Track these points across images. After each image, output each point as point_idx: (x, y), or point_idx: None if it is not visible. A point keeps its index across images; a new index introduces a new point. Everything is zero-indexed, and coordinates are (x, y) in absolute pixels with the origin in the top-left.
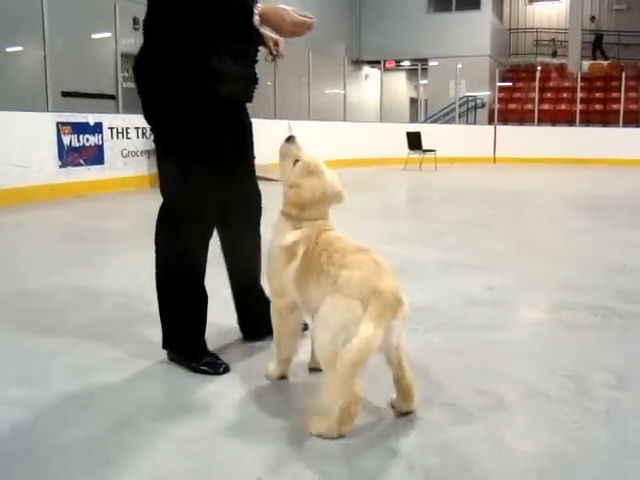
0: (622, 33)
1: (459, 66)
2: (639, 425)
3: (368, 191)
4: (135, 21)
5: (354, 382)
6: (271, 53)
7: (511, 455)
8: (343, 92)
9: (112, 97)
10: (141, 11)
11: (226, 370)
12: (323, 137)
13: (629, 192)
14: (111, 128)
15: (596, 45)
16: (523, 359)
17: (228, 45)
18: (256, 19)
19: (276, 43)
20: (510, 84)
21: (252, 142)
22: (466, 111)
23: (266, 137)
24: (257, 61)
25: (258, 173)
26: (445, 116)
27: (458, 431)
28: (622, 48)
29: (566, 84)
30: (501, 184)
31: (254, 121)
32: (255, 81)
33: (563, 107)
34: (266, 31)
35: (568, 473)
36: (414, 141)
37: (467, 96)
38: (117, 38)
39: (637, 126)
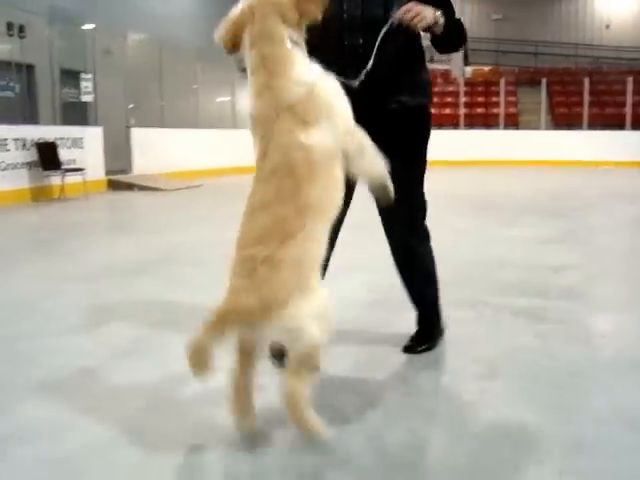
0: (500, 41)
1: None
2: (508, 411)
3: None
4: (9, 26)
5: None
6: None
7: (384, 448)
8: (232, 99)
9: None
10: (16, 16)
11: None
12: (214, 145)
13: (509, 192)
14: None
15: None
16: (402, 357)
17: None
18: None
19: None
20: None
21: None
22: None
23: (153, 147)
24: None
25: (145, 183)
26: None
27: (336, 430)
28: (501, 55)
29: (450, 89)
30: None
31: (142, 130)
32: None
33: (448, 111)
34: None
35: (438, 463)
36: None
37: None
38: None
39: (516, 128)
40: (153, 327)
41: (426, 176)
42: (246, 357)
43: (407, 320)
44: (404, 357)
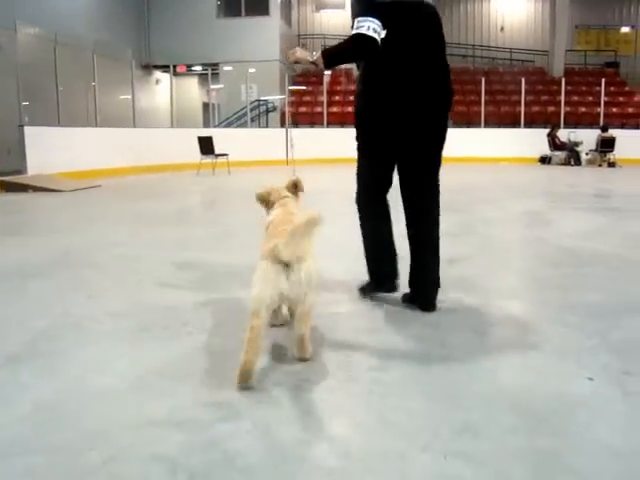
0: None
1: (250, 71)
2: (398, 401)
3: (159, 197)
4: None
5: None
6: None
7: (276, 445)
8: (131, 97)
9: None
10: None
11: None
12: (113, 144)
13: None
14: None
15: None
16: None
17: None
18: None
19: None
20: (304, 87)
21: None
22: (258, 115)
23: (49, 146)
24: None
25: (40, 184)
26: (238, 120)
27: (225, 428)
28: None
29: (353, 87)
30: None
31: (37, 129)
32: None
33: (350, 109)
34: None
35: (324, 459)
36: (206, 146)
37: (259, 100)
38: None
39: None
40: (49, 331)
41: (333, 174)
42: (269, 314)
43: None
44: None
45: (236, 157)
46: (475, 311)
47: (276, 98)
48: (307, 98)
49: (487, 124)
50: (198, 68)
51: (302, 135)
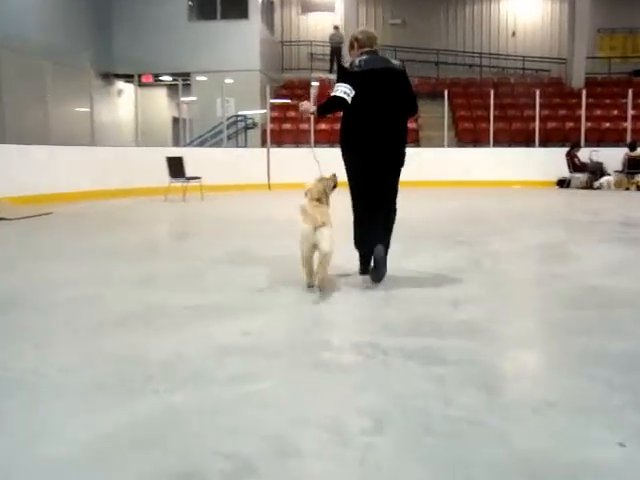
0: (398, 49)
1: (227, 82)
2: (393, 465)
3: (120, 227)
4: None
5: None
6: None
7: None
8: (90, 110)
9: None
10: None
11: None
12: (67, 165)
13: (406, 216)
14: None
15: (333, 59)
16: (277, 411)
17: None
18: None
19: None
20: (288, 100)
21: None
22: (236, 132)
23: None
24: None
25: None
26: (212, 138)
27: None
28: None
29: None
30: (277, 213)
31: None
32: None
33: (338, 126)
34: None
35: None
36: (176, 167)
37: (236, 115)
38: None
39: (417, 145)
40: None
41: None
42: (312, 251)
43: None
44: (278, 416)
45: (210, 181)
46: (484, 362)
47: (256, 113)
48: (291, 114)
49: (497, 143)
50: (167, 78)
51: (285, 155)
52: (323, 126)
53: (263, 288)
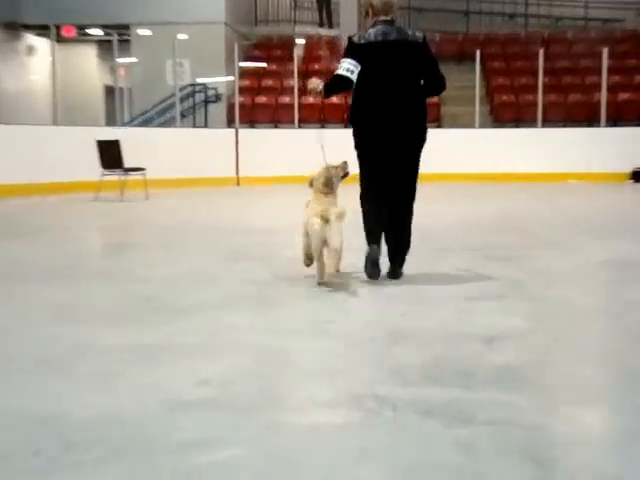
0: None
1: (180, 37)
2: None
3: (31, 237)
4: None
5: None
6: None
7: None
8: None
9: None
10: None
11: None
12: None
13: (427, 223)
14: None
15: (322, 8)
16: None
17: None
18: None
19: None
20: (264, 64)
21: None
22: (192, 107)
23: None
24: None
25: None
26: (161, 115)
27: None
28: (415, 15)
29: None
30: (247, 217)
31: None
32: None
33: (335, 100)
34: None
35: None
36: (110, 155)
37: (193, 84)
38: None
39: (437, 126)
40: None
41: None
42: (322, 247)
43: None
44: None
45: (158, 173)
46: (528, 423)
47: (220, 81)
48: (269, 82)
49: (547, 121)
50: (97, 32)
51: (260, 140)
52: (311, 99)
53: (228, 320)
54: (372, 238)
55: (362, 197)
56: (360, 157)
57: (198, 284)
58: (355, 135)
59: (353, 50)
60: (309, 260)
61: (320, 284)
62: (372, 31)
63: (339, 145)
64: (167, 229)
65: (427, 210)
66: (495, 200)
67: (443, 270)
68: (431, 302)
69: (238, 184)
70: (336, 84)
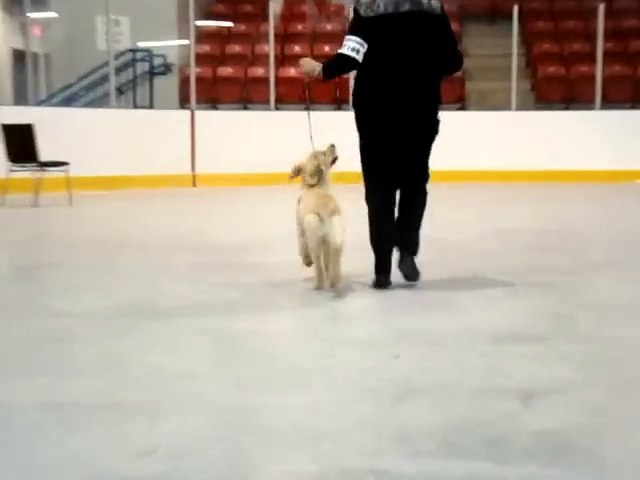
0: None
1: None
2: None
3: None
4: None
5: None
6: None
7: None
8: None
9: None
10: None
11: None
12: None
13: (445, 235)
14: None
15: None
16: None
17: None
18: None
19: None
20: (229, 23)
21: None
22: (133, 81)
23: None
24: None
25: None
26: (90, 90)
27: None
28: None
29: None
30: (204, 230)
31: None
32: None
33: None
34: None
35: None
36: (20, 144)
37: (134, 50)
38: None
39: (461, 108)
40: None
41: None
42: (322, 251)
43: None
44: None
45: (85, 170)
46: None
47: (171, 46)
48: (235, 48)
49: (609, 101)
50: None
51: (223, 125)
52: (292, 71)
53: (177, 367)
54: (380, 237)
55: (367, 196)
56: (363, 149)
57: (135, 320)
58: (358, 122)
59: (359, 25)
60: (308, 259)
61: (318, 288)
62: (379, 1)
63: (330, 130)
64: (96, 244)
65: (447, 219)
66: (537, 206)
67: (467, 299)
68: (452, 341)
69: (194, 184)
70: (339, 66)
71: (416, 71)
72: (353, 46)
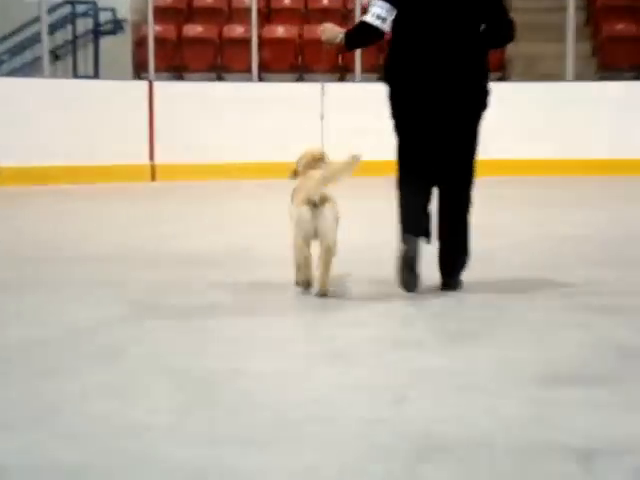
0: None
1: None
2: None
3: None
4: None
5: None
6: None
7: None
8: None
9: None
10: None
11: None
12: None
13: (483, 246)
14: None
15: None
16: None
17: None
18: None
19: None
20: None
21: None
22: (73, 42)
23: None
24: None
25: None
26: (17, 55)
27: None
28: None
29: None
30: (167, 237)
31: None
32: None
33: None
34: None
35: None
36: None
37: (73, 2)
38: None
39: (501, 79)
40: None
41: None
42: (307, 245)
43: None
44: None
45: (11, 159)
46: None
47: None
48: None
49: None
50: None
51: (188, 100)
52: (280, 31)
53: (135, 417)
54: (408, 227)
55: (398, 181)
56: (397, 129)
57: (74, 356)
58: (390, 99)
59: None
60: (304, 276)
61: (304, 287)
62: None
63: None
64: (24, 257)
65: (485, 223)
66: (600, 207)
67: (510, 326)
68: (487, 383)
69: (153, 178)
70: (362, 35)
71: (455, 39)
72: (379, 13)
